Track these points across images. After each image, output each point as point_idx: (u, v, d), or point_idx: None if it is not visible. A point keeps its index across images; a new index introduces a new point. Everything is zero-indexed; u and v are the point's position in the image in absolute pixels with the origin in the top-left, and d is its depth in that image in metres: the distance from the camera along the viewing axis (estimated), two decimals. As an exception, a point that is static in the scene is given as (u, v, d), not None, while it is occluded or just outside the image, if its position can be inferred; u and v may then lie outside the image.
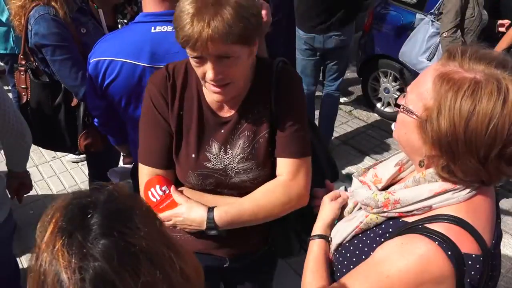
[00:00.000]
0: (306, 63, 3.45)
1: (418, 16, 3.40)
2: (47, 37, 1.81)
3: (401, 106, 0.93)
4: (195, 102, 1.25)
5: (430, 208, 0.90)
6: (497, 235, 0.93)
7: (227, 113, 1.26)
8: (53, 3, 1.83)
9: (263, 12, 1.60)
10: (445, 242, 0.83)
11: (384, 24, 4.08)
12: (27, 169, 1.88)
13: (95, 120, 1.79)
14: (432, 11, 3.33)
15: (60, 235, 0.57)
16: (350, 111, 4.48)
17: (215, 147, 1.25)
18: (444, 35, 3.10)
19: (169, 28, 1.41)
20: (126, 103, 1.52)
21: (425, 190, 0.90)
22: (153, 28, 1.42)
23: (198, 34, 1.01)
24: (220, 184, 1.27)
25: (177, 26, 1.05)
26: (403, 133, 0.94)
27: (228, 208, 1.23)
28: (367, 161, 3.68)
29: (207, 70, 1.09)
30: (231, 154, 1.25)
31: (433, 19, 3.30)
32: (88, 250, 0.54)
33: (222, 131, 1.25)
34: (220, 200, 1.26)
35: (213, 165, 1.25)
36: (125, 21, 2.49)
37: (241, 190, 1.27)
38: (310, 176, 1.28)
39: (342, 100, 4.71)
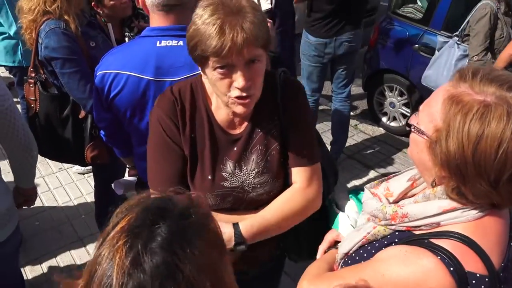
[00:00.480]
0: (313, 69, 3.45)
1: (441, 39, 3.31)
2: (57, 50, 1.85)
3: (412, 126, 0.93)
4: (205, 122, 1.25)
5: (438, 224, 0.90)
6: (509, 258, 0.90)
7: (237, 129, 1.27)
8: (64, 17, 1.86)
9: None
10: (448, 258, 0.82)
11: (389, 39, 4.10)
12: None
13: (101, 132, 1.81)
14: (457, 33, 3.26)
15: (125, 234, 0.59)
16: (356, 125, 4.48)
17: (230, 166, 1.25)
18: (475, 58, 3.07)
19: (173, 43, 1.43)
20: (131, 116, 1.54)
21: (434, 206, 0.90)
22: (158, 42, 1.44)
23: (231, 40, 1.02)
24: (237, 201, 1.28)
25: (201, 38, 1.05)
26: (415, 152, 0.95)
27: (253, 222, 1.23)
28: (373, 175, 3.67)
29: (237, 78, 1.09)
30: (246, 170, 1.26)
31: (458, 42, 3.24)
32: (142, 260, 0.57)
33: (235, 148, 1.26)
34: (237, 218, 1.26)
35: (230, 184, 1.25)
36: (132, 34, 2.53)
37: (258, 204, 1.29)
38: (321, 180, 1.32)
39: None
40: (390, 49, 4.09)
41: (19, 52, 3.17)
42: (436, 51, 3.25)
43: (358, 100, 5.07)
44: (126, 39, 2.52)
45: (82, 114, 2.08)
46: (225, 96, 1.14)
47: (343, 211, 1.35)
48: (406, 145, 4.22)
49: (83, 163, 2.24)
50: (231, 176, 1.25)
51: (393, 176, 1.15)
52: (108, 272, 0.57)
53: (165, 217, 0.61)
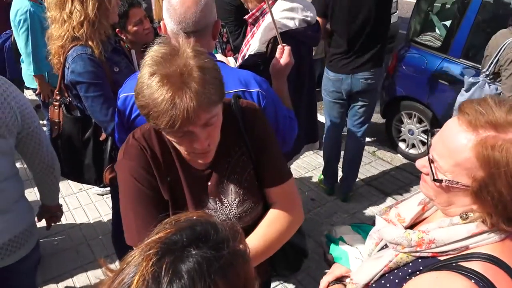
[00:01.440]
0: (333, 105, 3.41)
1: (469, 79, 3.21)
2: (82, 75, 1.92)
3: (444, 181, 0.91)
4: (177, 164, 1.23)
5: (466, 248, 0.90)
6: None
7: (207, 164, 1.26)
8: (90, 43, 1.94)
9: (286, 54, 1.67)
10: (481, 281, 0.81)
11: (408, 66, 4.11)
12: (56, 201, 1.94)
13: None
14: (487, 72, 3.21)
15: (160, 246, 0.61)
16: (374, 151, 4.45)
17: (210, 202, 1.26)
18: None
19: None
20: None
21: (463, 230, 0.90)
22: None
23: (182, 114, 0.97)
24: None
25: (152, 113, 0.99)
26: (443, 199, 0.95)
27: None
28: (391, 202, 3.56)
29: (195, 142, 1.07)
30: (227, 202, 1.27)
31: (489, 81, 3.17)
32: (163, 277, 0.58)
33: (210, 183, 1.26)
34: None
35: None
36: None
37: (244, 230, 1.28)
38: (298, 193, 1.34)
39: (365, 140, 4.69)
40: (409, 76, 4.09)
41: (46, 76, 3.31)
42: (463, 91, 3.19)
43: (376, 126, 5.05)
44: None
45: (103, 136, 2.14)
46: (184, 154, 1.15)
47: (350, 245, 1.33)
48: (425, 172, 4.17)
49: (101, 185, 2.29)
50: (214, 211, 1.26)
51: (401, 202, 1.14)
52: (131, 273, 0.59)
53: (202, 242, 0.62)
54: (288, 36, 1.82)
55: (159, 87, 0.98)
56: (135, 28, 2.46)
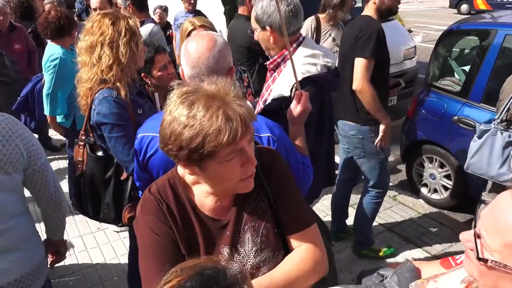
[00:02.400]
0: (345, 156, 3.37)
1: (480, 126, 3.06)
2: (107, 116, 1.99)
3: (490, 261, 0.83)
4: (192, 216, 1.24)
5: None
6: None
7: (224, 213, 1.25)
8: (117, 84, 2.02)
9: (303, 100, 1.69)
10: None
11: (428, 110, 4.10)
12: (72, 239, 1.95)
13: (139, 192, 1.88)
14: (498, 120, 3.15)
15: None
16: (395, 196, 4.35)
17: (226, 252, 1.23)
18: None
19: None
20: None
21: None
22: None
23: (240, 120, 1.02)
24: None
25: (210, 134, 1.02)
26: (489, 281, 0.86)
27: (260, 281, 1.18)
28: (414, 250, 3.48)
29: (247, 159, 1.10)
30: (244, 252, 1.23)
31: (501, 128, 3.02)
32: None
33: (227, 233, 1.24)
34: None
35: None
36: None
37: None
38: (323, 242, 1.27)
39: (385, 184, 4.62)
40: (429, 120, 4.07)
41: (74, 117, 3.44)
42: (476, 138, 3.15)
43: (397, 170, 4.98)
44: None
45: (124, 176, 2.17)
46: (232, 183, 1.14)
47: None
48: (449, 219, 4.06)
49: (120, 224, 2.30)
50: (230, 261, 1.22)
51: (441, 275, 1.04)
52: None
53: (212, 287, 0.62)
54: (311, 80, 1.85)
55: (207, 109, 1.02)
56: (159, 73, 2.56)
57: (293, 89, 1.76)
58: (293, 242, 1.25)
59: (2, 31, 4.66)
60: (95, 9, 3.87)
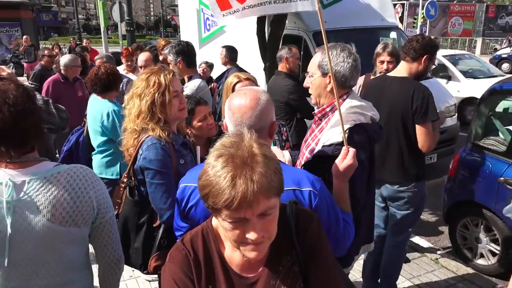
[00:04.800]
0: (376, 207, 3.25)
1: None
2: (152, 162, 2.04)
3: None
4: (220, 271, 1.22)
5: None
6: None
7: (254, 271, 1.22)
8: (163, 134, 2.09)
9: (350, 156, 1.69)
10: None
11: (471, 170, 3.95)
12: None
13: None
14: None
15: None
16: (437, 259, 4.11)
17: None
18: None
19: None
20: None
21: None
22: None
23: (241, 195, 1.00)
24: None
25: (212, 190, 1.04)
26: None
27: None
28: (459, 320, 3.21)
29: (250, 231, 1.07)
30: None
31: None
32: None
33: None
34: None
35: None
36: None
37: None
38: None
39: (426, 245, 4.39)
40: (473, 180, 3.90)
41: (118, 165, 3.52)
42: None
43: (439, 231, 4.74)
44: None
45: (157, 223, 2.18)
46: (236, 243, 1.13)
47: None
48: None
49: (145, 271, 2.27)
50: None
51: None
52: None
53: None
54: (362, 128, 1.87)
55: (223, 167, 1.04)
56: (199, 124, 2.64)
57: (346, 135, 1.78)
58: None
59: (69, 80, 5.32)
60: (141, 67, 4.13)
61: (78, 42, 18.32)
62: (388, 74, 3.20)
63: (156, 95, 2.10)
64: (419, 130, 2.86)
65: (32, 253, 1.43)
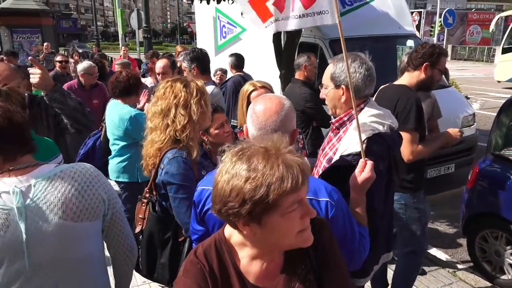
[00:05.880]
0: None
1: None
2: (175, 176, 2.02)
3: None
4: (236, 282, 1.21)
5: None
6: None
7: (270, 279, 1.21)
8: (190, 143, 2.08)
9: (368, 168, 1.66)
10: None
11: (491, 181, 3.86)
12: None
13: (194, 244, 1.86)
14: None
15: None
16: (454, 271, 4.01)
17: None
18: None
19: None
20: (218, 229, 1.58)
21: None
22: None
23: (298, 165, 1.07)
24: None
25: (276, 181, 1.04)
26: None
27: None
28: (478, 336, 3.12)
29: (308, 209, 1.12)
30: None
31: None
32: None
33: None
34: None
35: None
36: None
37: None
38: None
39: (444, 258, 4.29)
40: (493, 192, 3.81)
41: (136, 169, 3.53)
42: None
43: (457, 244, 4.63)
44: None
45: (182, 237, 2.15)
46: (293, 237, 1.12)
47: None
48: (519, 303, 3.64)
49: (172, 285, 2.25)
50: None
51: None
52: None
53: None
54: (380, 138, 1.85)
55: (267, 160, 1.06)
56: (216, 131, 2.64)
57: (364, 145, 1.76)
58: None
59: (86, 87, 5.38)
60: (158, 73, 4.17)
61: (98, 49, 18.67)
62: (394, 82, 3.18)
63: (202, 102, 2.10)
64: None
65: (50, 253, 1.45)
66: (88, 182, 1.53)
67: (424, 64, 2.86)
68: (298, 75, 4.43)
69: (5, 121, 1.42)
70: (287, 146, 1.11)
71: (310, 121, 4.24)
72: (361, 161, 1.70)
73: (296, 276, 1.21)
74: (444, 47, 3.10)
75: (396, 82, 3.09)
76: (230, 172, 1.09)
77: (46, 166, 1.53)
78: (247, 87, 2.94)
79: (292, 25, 2.45)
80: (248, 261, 1.21)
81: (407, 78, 2.98)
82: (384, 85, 3.72)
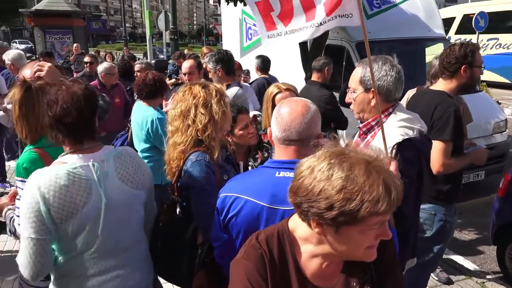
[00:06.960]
0: None
1: None
2: (197, 179, 2.02)
3: None
4: (294, 276, 1.20)
5: None
6: None
7: (329, 281, 1.20)
8: (212, 143, 2.08)
9: (392, 168, 1.62)
10: None
11: (524, 189, 3.71)
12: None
13: (215, 251, 1.85)
14: None
15: None
16: (483, 283, 3.88)
17: None
18: None
19: (291, 174, 1.49)
20: (243, 238, 1.57)
21: None
22: (277, 173, 1.53)
23: (398, 192, 1.05)
24: None
25: (373, 198, 1.02)
26: None
27: None
28: None
29: (386, 231, 1.10)
30: None
31: None
32: None
33: None
34: None
35: None
36: (256, 164, 2.73)
37: None
38: None
39: (472, 268, 4.16)
40: (525, 201, 3.67)
41: (161, 171, 3.56)
42: None
43: (486, 253, 4.48)
44: (249, 167, 2.73)
45: (200, 240, 2.13)
46: (361, 251, 1.11)
47: None
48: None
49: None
50: None
51: None
52: None
53: None
54: (410, 142, 1.81)
55: (368, 176, 1.02)
56: (240, 132, 2.64)
57: (394, 151, 1.73)
58: None
59: (107, 87, 5.47)
60: (185, 73, 4.21)
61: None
62: (430, 87, 3.06)
63: (222, 102, 2.10)
64: (433, 146, 2.54)
65: (119, 215, 1.72)
66: (139, 161, 1.89)
67: (463, 68, 2.66)
68: (317, 77, 4.45)
69: (77, 114, 1.65)
70: (389, 164, 1.10)
71: (329, 123, 4.25)
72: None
73: (354, 283, 1.20)
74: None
75: (432, 87, 2.93)
76: (325, 173, 1.06)
77: (107, 147, 1.81)
78: (272, 89, 2.94)
79: (307, 34, 2.32)
80: (308, 257, 1.21)
81: (445, 85, 2.75)
82: (412, 90, 3.62)
